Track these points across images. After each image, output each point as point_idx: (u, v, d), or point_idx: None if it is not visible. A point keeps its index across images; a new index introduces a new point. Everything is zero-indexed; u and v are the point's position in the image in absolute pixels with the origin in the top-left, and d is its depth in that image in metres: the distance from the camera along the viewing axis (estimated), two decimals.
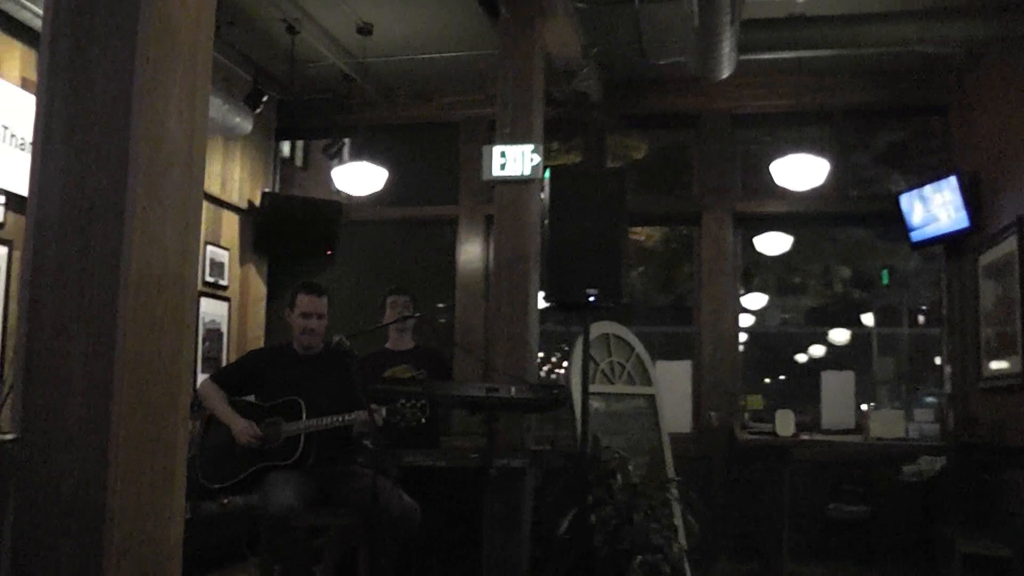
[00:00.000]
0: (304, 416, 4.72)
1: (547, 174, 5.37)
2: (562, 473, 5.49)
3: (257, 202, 9.04)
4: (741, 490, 7.52)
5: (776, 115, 8.48)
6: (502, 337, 6.02)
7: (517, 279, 6.09)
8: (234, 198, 8.80)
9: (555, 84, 7.96)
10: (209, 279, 8.45)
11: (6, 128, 6.03)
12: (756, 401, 7.64)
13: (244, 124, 8.13)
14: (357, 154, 8.01)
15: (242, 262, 9.00)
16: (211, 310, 8.51)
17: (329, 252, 9.16)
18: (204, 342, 8.37)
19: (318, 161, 9.43)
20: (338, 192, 8.91)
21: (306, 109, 9.33)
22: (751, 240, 8.76)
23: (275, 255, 9.37)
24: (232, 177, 8.78)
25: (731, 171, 8.53)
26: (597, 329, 6.07)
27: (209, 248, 8.45)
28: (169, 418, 2.68)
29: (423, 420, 4.63)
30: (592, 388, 5.90)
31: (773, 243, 8.67)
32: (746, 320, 10.40)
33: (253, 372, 5.00)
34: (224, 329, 8.66)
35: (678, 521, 5.79)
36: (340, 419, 4.71)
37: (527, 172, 6.17)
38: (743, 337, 8.77)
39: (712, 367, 8.17)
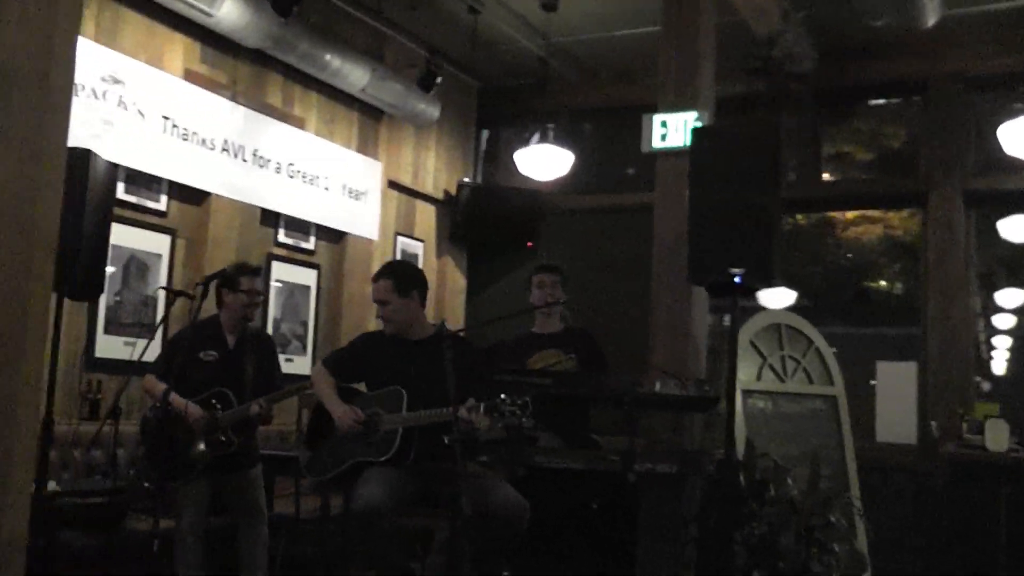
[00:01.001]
0: (404, 409, 4.33)
1: (655, 118, 4.72)
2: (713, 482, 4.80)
3: (454, 192, 8.82)
4: (953, 515, 6.38)
5: (1017, 75, 7.22)
6: (662, 328, 5.39)
7: (679, 264, 5.43)
8: (428, 188, 8.66)
9: (755, 54, 7.20)
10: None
11: (167, 119, 6.13)
12: (990, 409, 6.44)
13: (430, 110, 7.97)
14: (546, 138, 7.59)
15: (439, 254, 8.84)
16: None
17: (531, 244, 8.80)
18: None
19: (510, 149, 9.10)
20: (531, 180, 8.54)
21: (504, 96, 9.06)
22: (993, 224, 7.51)
23: (474, 247, 9.14)
24: (426, 167, 8.65)
25: (962, 143, 7.34)
26: (766, 319, 5.30)
27: (400, 239, 8.36)
28: None
29: (523, 420, 4.10)
30: (756, 386, 5.15)
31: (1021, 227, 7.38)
32: (1005, 321, 9.05)
33: (361, 357, 4.64)
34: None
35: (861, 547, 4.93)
36: (437, 415, 4.28)
37: (690, 142, 5.50)
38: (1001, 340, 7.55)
39: (939, 371, 7.04)
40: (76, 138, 5.47)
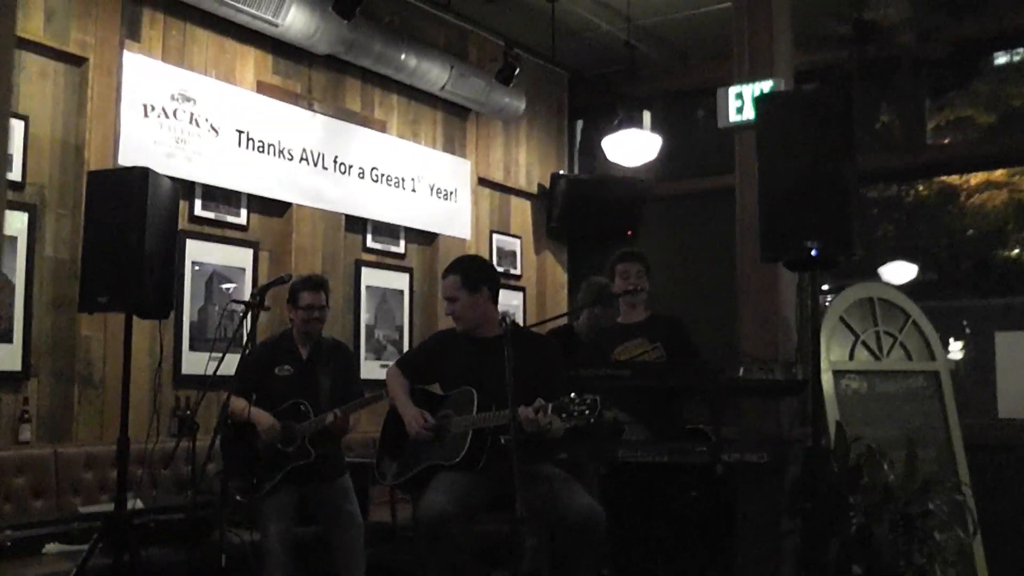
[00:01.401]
0: (475, 410, 4.16)
1: (734, 92, 4.40)
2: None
3: (548, 186, 8.63)
4: None
5: None
6: (749, 311, 5.09)
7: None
8: (521, 183, 8.50)
9: (845, 16, 6.79)
10: (499, 268, 8.18)
11: (241, 132, 6.14)
12: None
13: (515, 104, 7.81)
14: (632, 123, 7.33)
15: (537, 249, 8.67)
16: (504, 300, 8.22)
17: (630, 233, 8.54)
18: None
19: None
20: (628, 169, 8.29)
21: (595, 84, 8.82)
22: None
23: (573, 240, 8.93)
24: (517, 162, 8.49)
25: None
26: (856, 293, 4.91)
27: (496, 237, 8.23)
28: None
29: (591, 419, 3.87)
30: (848, 366, 4.78)
31: None
32: None
33: (433, 357, 4.48)
34: (520, 319, 8.35)
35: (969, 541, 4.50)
36: (503, 416, 4.10)
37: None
38: None
39: None
40: (149, 158, 5.58)
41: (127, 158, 5.50)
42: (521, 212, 8.52)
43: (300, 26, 6.11)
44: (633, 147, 7.20)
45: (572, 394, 3.80)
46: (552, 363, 4.25)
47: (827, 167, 4.12)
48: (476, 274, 4.26)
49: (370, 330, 7.11)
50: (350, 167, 6.88)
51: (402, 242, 7.41)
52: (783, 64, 5.35)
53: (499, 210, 8.33)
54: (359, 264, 7.03)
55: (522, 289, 8.44)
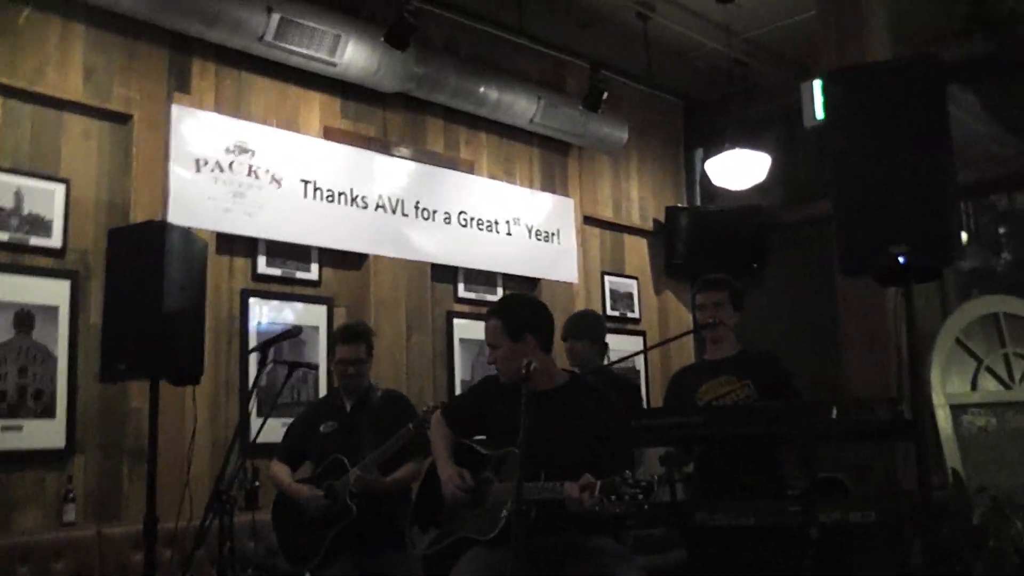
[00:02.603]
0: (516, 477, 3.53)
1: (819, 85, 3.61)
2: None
3: (663, 221, 7.94)
4: None
5: None
6: (853, 339, 4.27)
7: None
8: (634, 219, 7.84)
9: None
10: (612, 312, 7.54)
11: (307, 183, 5.80)
12: None
13: (616, 134, 7.20)
14: (737, 143, 6.58)
15: (657, 289, 7.96)
16: (619, 346, 7.54)
17: (755, 266, 7.74)
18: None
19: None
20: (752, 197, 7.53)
21: (711, 110, 8.09)
22: None
23: (697, 278, 8.14)
24: (629, 197, 7.84)
25: None
26: (976, 308, 4.01)
27: (608, 279, 7.57)
28: None
29: (644, 506, 3.18)
30: (970, 398, 3.88)
31: None
32: None
33: (479, 406, 3.84)
34: (640, 367, 7.64)
35: None
36: (546, 490, 3.44)
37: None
38: None
39: None
40: (204, 215, 5.27)
41: (178, 216, 5.19)
42: (636, 251, 7.84)
43: (361, 63, 5.72)
44: (739, 168, 6.43)
45: (627, 473, 3.14)
46: (613, 426, 3.56)
47: (915, 156, 3.31)
48: (520, 319, 3.62)
49: (467, 385, 6.56)
50: (434, 212, 6.40)
51: (499, 289, 6.85)
52: (878, 52, 4.53)
53: (611, 250, 7.68)
54: (451, 315, 6.52)
55: (642, 333, 7.73)
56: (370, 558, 4.29)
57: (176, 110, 5.31)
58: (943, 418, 3.67)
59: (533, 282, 7.02)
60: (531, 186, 7.08)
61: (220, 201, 5.40)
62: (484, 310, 6.52)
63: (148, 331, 4.09)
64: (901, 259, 3.21)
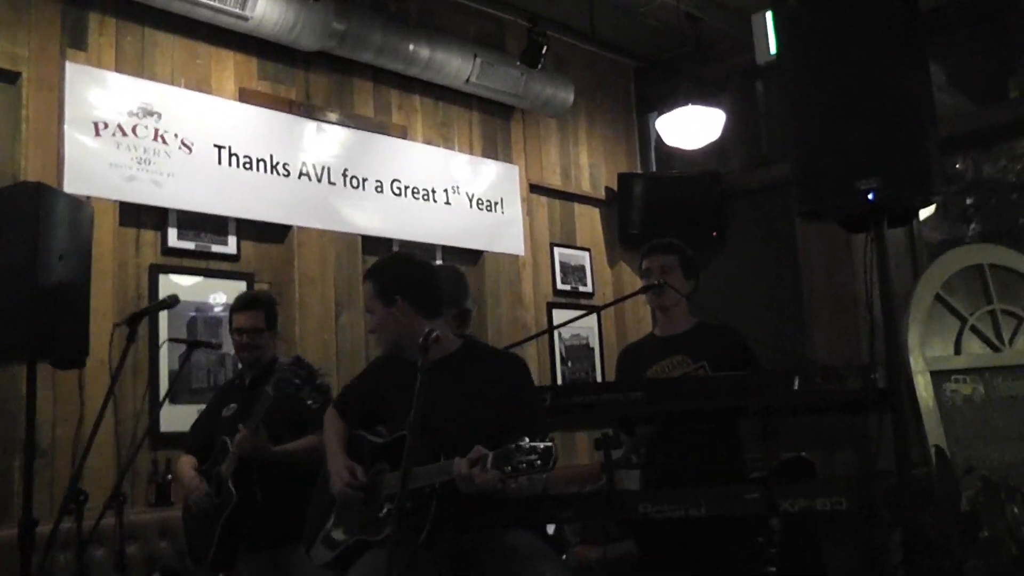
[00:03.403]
0: (404, 463, 3.09)
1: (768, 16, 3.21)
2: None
3: (616, 188, 7.53)
4: None
5: None
6: (819, 297, 3.87)
7: None
8: (585, 188, 7.42)
9: None
10: (563, 287, 7.12)
11: (221, 148, 5.37)
12: None
13: (561, 95, 6.78)
14: (690, 99, 6.18)
15: (611, 261, 7.55)
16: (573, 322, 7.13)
17: (715, 234, 7.35)
18: (565, 362, 7.04)
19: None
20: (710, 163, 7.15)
21: (664, 71, 7.68)
22: None
23: None
24: (578, 164, 7.42)
25: None
26: (958, 259, 3.61)
27: (557, 251, 7.16)
28: None
29: (543, 473, 2.76)
30: (953, 363, 3.48)
31: None
32: None
33: (369, 390, 3.42)
34: (595, 343, 7.24)
35: None
36: (432, 472, 3.00)
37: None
38: None
39: None
40: (104, 183, 4.81)
41: (75, 184, 4.74)
42: (588, 221, 7.43)
43: (275, 18, 5.27)
44: (692, 126, 6.02)
45: (523, 440, 2.72)
46: (517, 391, 3.14)
47: (884, 79, 2.90)
48: (392, 281, 3.20)
49: None
50: (364, 181, 5.96)
51: (439, 263, 6.40)
52: None
53: (560, 220, 7.26)
54: None
55: (595, 308, 7.31)
56: (277, 549, 3.86)
57: (71, 68, 4.85)
58: (923, 386, 3.28)
59: (476, 254, 6.60)
60: (471, 152, 6.65)
61: (123, 168, 4.95)
62: None
63: (20, 308, 3.65)
64: (870, 196, 2.81)
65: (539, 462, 2.67)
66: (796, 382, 3.24)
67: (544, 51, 6.06)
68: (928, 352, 3.36)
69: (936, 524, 2.83)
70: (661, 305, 4.11)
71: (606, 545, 3.66)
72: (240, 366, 4.35)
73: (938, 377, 3.34)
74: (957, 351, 3.44)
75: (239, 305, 4.15)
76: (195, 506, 3.95)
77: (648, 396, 3.31)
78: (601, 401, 3.29)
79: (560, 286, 7.13)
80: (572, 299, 7.19)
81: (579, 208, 7.39)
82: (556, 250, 7.16)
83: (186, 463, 4.18)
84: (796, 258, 6.52)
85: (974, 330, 3.49)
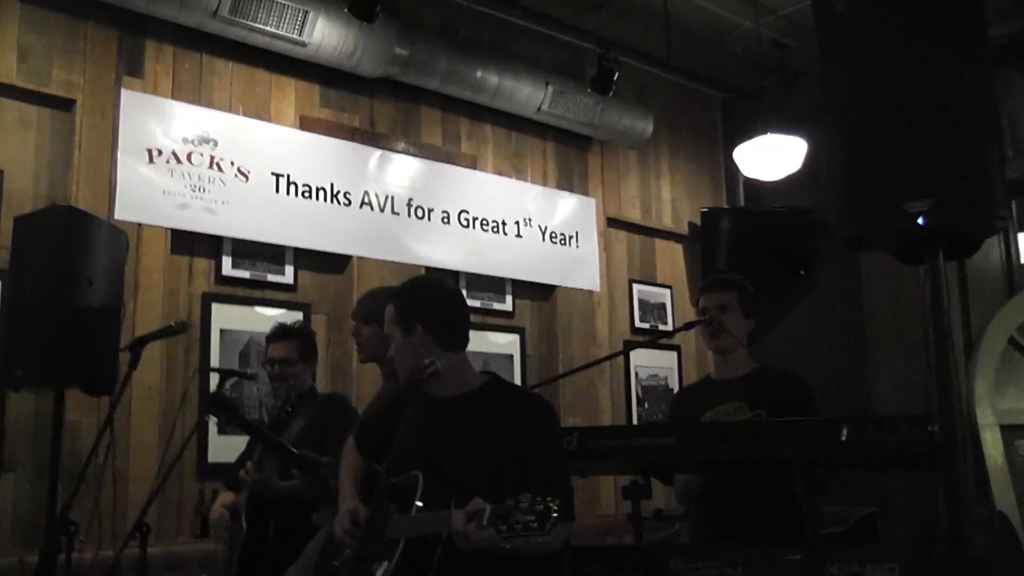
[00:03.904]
0: (414, 508, 2.83)
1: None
2: None
3: (700, 224, 7.20)
4: None
5: None
6: (881, 334, 3.52)
7: None
8: (666, 223, 7.12)
9: None
10: (641, 324, 6.81)
11: (279, 176, 5.27)
12: None
13: (639, 125, 6.51)
14: (769, 127, 5.84)
15: (694, 300, 7.15)
16: (649, 362, 6.83)
17: (802, 272, 6.95)
18: (642, 403, 6.71)
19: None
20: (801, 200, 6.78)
21: (752, 102, 7.34)
22: None
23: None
24: (659, 198, 7.12)
25: None
26: None
27: (637, 288, 6.84)
28: None
29: (539, 537, 2.44)
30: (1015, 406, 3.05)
31: None
32: None
33: (385, 424, 3.18)
34: (675, 384, 6.90)
35: None
36: (430, 521, 2.73)
37: None
38: None
39: None
40: (156, 210, 4.75)
41: (127, 212, 4.70)
42: (669, 257, 7.11)
43: (334, 43, 5.15)
44: (772, 156, 5.67)
45: (523, 495, 2.43)
46: (541, 438, 2.85)
47: (940, 82, 2.55)
48: (414, 306, 2.96)
49: None
50: (430, 211, 5.78)
51: (508, 297, 6.18)
52: None
53: (640, 256, 6.96)
54: None
55: (676, 348, 6.97)
56: None
57: (126, 95, 4.81)
58: (991, 442, 2.87)
59: (548, 289, 6.35)
60: (545, 184, 6.43)
61: (176, 196, 4.87)
62: (490, 320, 5.92)
63: (49, 333, 3.57)
64: (920, 220, 2.47)
65: (535, 524, 2.38)
66: (844, 432, 2.88)
67: (616, 78, 5.82)
68: (1000, 404, 2.94)
69: None
70: (718, 348, 3.77)
71: None
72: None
73: (1011, 432, 2.91)
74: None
75: (273, 335, 4.03)
76: (217, 538, 3.80)
77: (680, 442, 2.98)
78: (630, 446, 2.99)
79: (639, 324, 6.81)
80: (651, 336, 6.86)
81: (660, 244, 7.08)
82: (635, 287, 6.86)
83: (222, 498, 4.02)
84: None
85: None
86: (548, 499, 2.39)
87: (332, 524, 3.03)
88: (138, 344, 3.46)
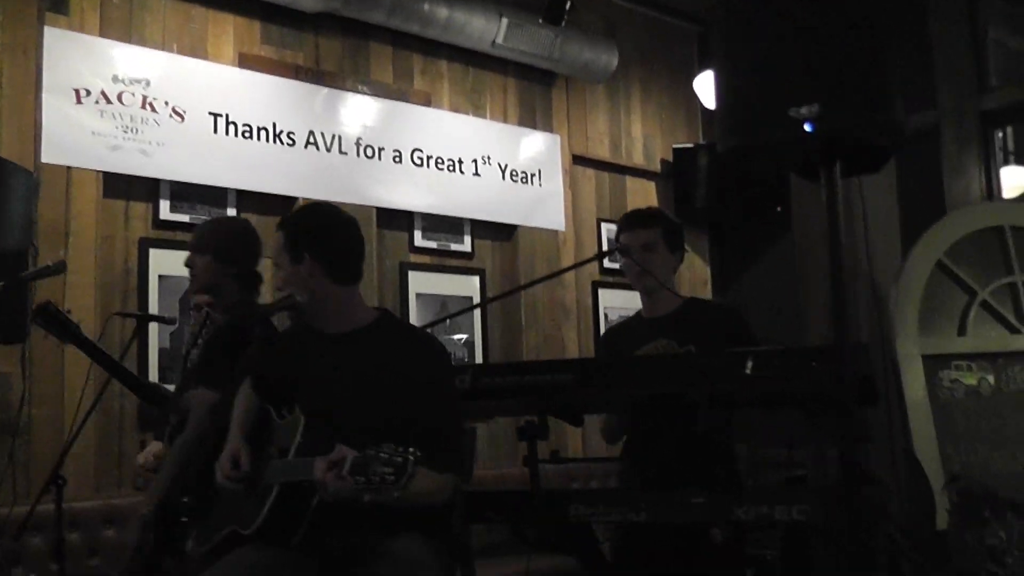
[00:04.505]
0: (292, 451, 2.70)
1: None
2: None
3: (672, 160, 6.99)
4: None
5: None
6: (808, 264, 3.33)
7: None
8: (637, 160, 6.91)
9: None
10: (612, 265, 6.63)
11: (217, 116, 5.11)
12: None
13: (603, 58, 6.28)
14: None
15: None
16: (621, 303, 6.66)
17: (779, 209, 6.74)
18: None
19: None
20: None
21: None
22: None
23: (712, 225, 7.19)
24: (629, 134, 6.90)
25: None
26: (972, 219, 2.99)
27: (606, 227, 6.66)
28: None
29: (395, 491, 2.29)
30: (958, 346, 2.86)
31: None
32: None
33: (282, 362, 3.04)
34: None
35: None
36: (295, 468, 2.59)
37: None
38: None
39: None
40: (86, 153, 4.60)
41: (54, 154, 4.56)
42: (641, 195, 6.91)
43: None
44: None
45: (384, 445, 2.30)
46: (430, 378, 2.70)
47: None
48: (304, 235, 2.81)
49: None
50: (380, 150, 5.62)
51: (467, 238, 6.03)
52: None
53: (609, 194, 6.77)
54: (405, 267, 5.72)
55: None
56: None
57: (50, 33, 4.64)
58: (912, 375, 2.68)
59: (510, 229, 6.19)
60: (505, 121, 6.23)
61: (107, 137, 4.73)
62: (449, 261, 5.77)
63: None
64: (808, 125, 2.27)
65: (391, 477, 2.26)
66: (749, 366, 2.71)
67: (568, 8, 5.58)
68: (925, 334, 2.76)
69: (905, 544, 2.27)
70: (644, 288, 3.60)
71: (529, 558, 3.18)
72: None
73: (934, 363, 2.72)
74: (962, 332, 2.82)
75: None
76: (141, 486, 3.71)
77: (579, 380, 2.82)
78: (526, 384, 2.84)
79: (608, 264, 6.64)
80: (622, 277, 6.67)
81: (631, 182, 6.88)
82: (604, 226, 6.68)
83: (152, 446, 3.89)
84: None
85: (986, 307, 2.86)
86: (409, 450, 2.26)
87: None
88: (19, 285, 3.30)
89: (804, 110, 2.21)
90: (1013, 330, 2.76)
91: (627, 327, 3.76)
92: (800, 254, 3.37)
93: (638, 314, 3.72)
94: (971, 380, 2.69)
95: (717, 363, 2.73)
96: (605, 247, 6.64)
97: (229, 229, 3.47)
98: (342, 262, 2.80)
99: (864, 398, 2.66)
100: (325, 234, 2.80)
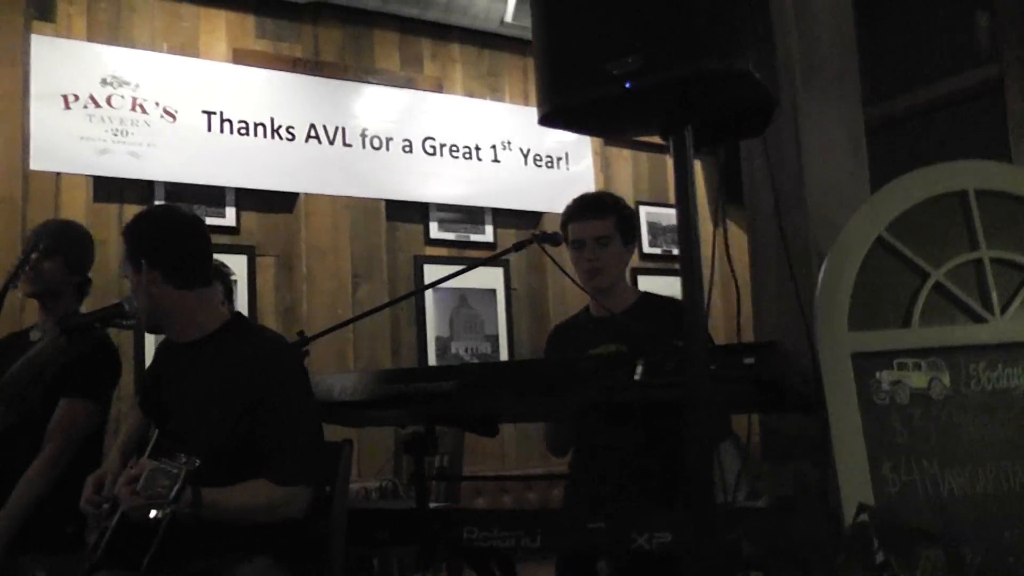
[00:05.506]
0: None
1: None
2: None
3: None
4: None
5: None
6: (759, 255, 3.00)
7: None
8: None
9: None
10: (652, 250, 6.33)
11: (211, 114, 5.06)
12: None
13: None
14: None
15: (715, 222, 6.57)
16: (664, 290, 6.31)
17: None
18: None
19: None
20: None
21: None
22: None
23: None
24: None
25: None
26: (920, 186, 2.57)
27: (644, 210, 6.35)
28: None
29: (169, 508, 2.10)
30: (904, 341, 2.44)
31: None
32: None
33: (153, 377, 2.87)
34: None
35: None
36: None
37: None
38: None
39: None
40: (75, 159, 4.62)
41: (42, 161, 4.58)
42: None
43: None
44: None
45: (179, 456, 2.14)
46: (276, 386, 2.48)
47: None
48: (139, 240, 2.63)
49: (444, 344, 5.58)
50: (388, 140, 5.47)
51: (488, 228, 5.82)
52: None
53: (648, 175, 6.45)
54: (419, 260, 5.56)
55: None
56: None
57: (36, 40, 4.68)
58: (837, 378, 2.31)
59: (535, 216, 5.94)
60: (526, 103, 6.00)
61: (96, 141, 4.74)
62: (468, 253, 5.58)
63: None
64: (627, 84, 1.98)
65: (164, 491, 2.11)
66: (639, 371, 2.39)
67: None
68: (855, 327, 2.38)
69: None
70: (597, 286, 3.26)
71: None
72: None
73: (870, 362, 2.32)
74: (907, 323, 2.43)
75: None
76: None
77: (460, 388, 2.55)
78: (408, 392, 2.59)
79: (648, 249, 6.32)
80: (664, 263, 6.36)
81: (672, 162, 6.52)
82: (643, 209, 6.36)
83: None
84: None
85: (941, 291, 2.44)
86: (184, 461, 2.09)
87: None
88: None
89: (623, 64, 1.91)
90: (977, 318, 2.33)
91: (576, 326, 3.41)
92: (754, 236, 3.01)
93: (586, 310, 3.39)
94: (920, 381, 2.25)
95: (604, 366, 2.42)
96: (646, 231, 6.33)
97: (77, 235, 3.33)
98: (181, 267, 2.59)
99: (774, 403, 2.33)
100: (160, 239, 2.60)
